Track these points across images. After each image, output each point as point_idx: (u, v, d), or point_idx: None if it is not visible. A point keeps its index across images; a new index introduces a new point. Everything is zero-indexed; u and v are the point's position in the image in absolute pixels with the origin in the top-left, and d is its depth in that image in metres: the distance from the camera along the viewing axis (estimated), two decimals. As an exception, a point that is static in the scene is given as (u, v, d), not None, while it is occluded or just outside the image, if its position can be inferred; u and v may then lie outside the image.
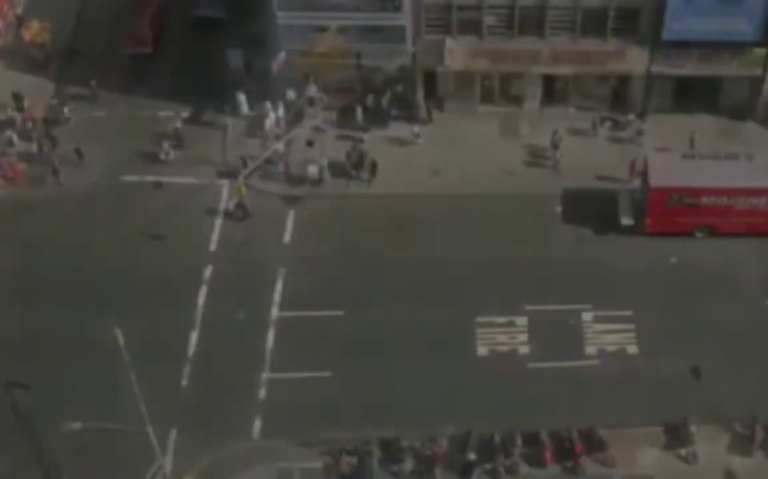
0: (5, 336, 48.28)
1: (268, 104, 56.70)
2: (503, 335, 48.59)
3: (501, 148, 55.98)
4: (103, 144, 57.19)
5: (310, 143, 54.81)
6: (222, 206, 54.58)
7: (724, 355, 46.80)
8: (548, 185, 53.95)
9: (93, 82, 59.09)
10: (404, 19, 53.37)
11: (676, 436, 44.86)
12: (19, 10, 63.10)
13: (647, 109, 56.06)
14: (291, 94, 56.62)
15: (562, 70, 55.46)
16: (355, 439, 45.09)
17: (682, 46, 52.87)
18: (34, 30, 61.96)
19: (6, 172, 56.03)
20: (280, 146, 55.57)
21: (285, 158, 55.56)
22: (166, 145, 56.44)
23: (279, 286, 50.98)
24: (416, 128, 56.11)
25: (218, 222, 53.97)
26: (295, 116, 56.87)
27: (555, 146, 54.55)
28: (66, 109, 58.42)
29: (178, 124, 57.44)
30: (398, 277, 50.50)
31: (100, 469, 44.26)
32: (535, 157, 55.45)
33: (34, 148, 56.95)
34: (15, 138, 57.18)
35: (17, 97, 58.59)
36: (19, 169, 56.16)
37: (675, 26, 52.02)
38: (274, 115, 56.62)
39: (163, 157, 56.25)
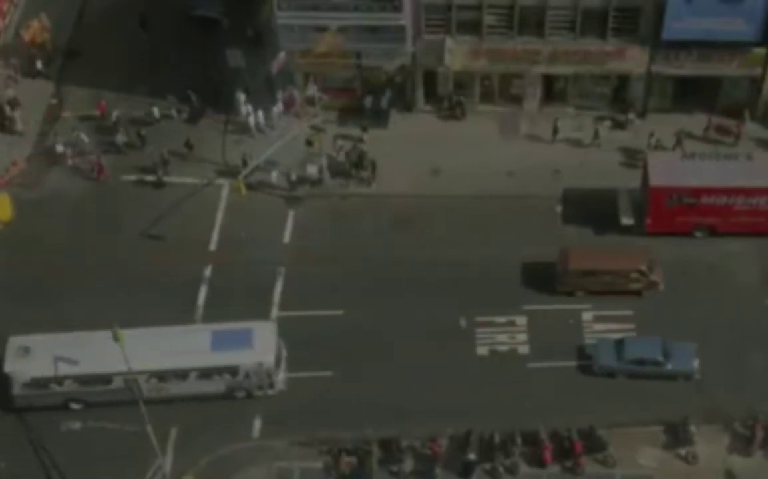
0: (5, 336, 48.21)
1: (250, 107, 56.80)
2: (503, 335, 48.65)
3: (501, 148, 55.99)
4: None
5: (310, 143, 54.78)
6: (222, 205, 54.59)
7: (724, 355, 46.83)
8: (548, 185, 53.92)
9: (193, 95, 58.37)
10: (404, 19, 53.36)
11: (676, 436, 44.89)
12: (12, 80, 61.35)
13: (647, 109, 56.10)
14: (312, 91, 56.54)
15: (562, 69, 55.47)
16: (355, 439, 45.14)
17: (682, 45, 52.87)
18: (34, 30, 61.88)
19: (93, 168, 56.13)
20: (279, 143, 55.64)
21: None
22: (54, 136, 56.50)
23: (279, 286, 51.03)
24: (339, 142, 55.99)
25: (218, 222, 54.00)
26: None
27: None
28: (156, 110, 58.09)
29: (116, 113, 57.47)
30: (398, 277, 50.49)
31: (100, 469, 44.28)
32: (630, 159, 54.89)
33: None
34: (83, 136, 57.11)
35: (13, 103, 58.29)
36: (104, 166, 56.18)
37: (675, 26, 51.97)
38: (260, 115, 56.80)
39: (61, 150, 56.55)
